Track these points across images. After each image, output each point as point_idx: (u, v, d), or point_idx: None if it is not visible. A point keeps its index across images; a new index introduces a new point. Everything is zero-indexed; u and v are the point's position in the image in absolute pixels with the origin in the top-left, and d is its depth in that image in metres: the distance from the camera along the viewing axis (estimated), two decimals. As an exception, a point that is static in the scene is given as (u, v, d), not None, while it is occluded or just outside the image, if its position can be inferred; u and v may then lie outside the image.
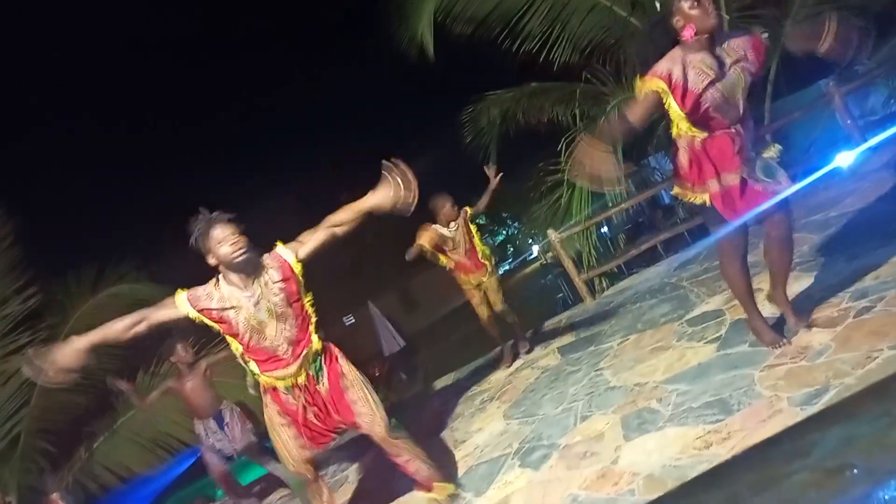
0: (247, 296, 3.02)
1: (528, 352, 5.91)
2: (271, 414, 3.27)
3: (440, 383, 6.95)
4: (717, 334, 3.85)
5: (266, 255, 3.13)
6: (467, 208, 5.81)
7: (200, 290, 3.04)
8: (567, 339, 5.71)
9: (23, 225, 9.00)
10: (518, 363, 5.80)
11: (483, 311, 5.86)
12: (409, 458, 3.41)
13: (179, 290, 3.03)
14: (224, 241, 2.95)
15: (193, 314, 2.99)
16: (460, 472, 3.95)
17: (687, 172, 2.98)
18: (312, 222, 3.20)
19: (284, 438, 3.26)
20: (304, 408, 3.22)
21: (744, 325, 3.54)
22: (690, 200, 3.01)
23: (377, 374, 12.27)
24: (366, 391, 3.28)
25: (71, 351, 2.78)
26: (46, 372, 2.73)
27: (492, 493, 3.48)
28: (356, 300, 15.18)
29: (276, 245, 3.16)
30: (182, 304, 2.98)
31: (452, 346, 11.57)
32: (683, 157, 2.97)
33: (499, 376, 5.76)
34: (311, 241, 3.13)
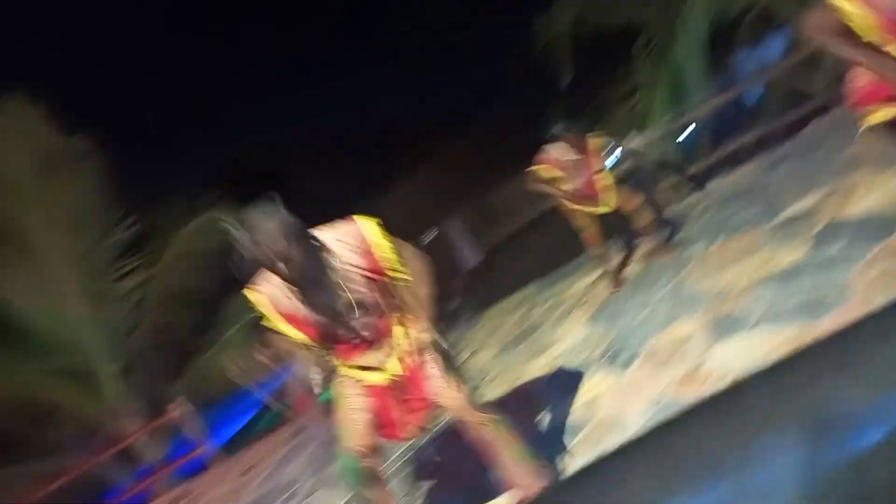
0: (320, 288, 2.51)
1: (670, 236, 5.42)
2: (346, 387, 2.75)
3: (522, 293, 7.08)
4: (809, 235, 3.73)
5: (342, 230, 2.58)
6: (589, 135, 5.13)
7: (272, 289, 2.58)
8: (651, 245, 5.65)
9: (115, 157, 9.52)
10: (598, 272, 5.76)
11: (587, 225, 5.18)
12: (497, 443, 2.68)
13: (255, 296, 2.61)
14: (264, 252, 2.39)
15: (276, 323, 2.60)
16: (544, 378, 4.09)
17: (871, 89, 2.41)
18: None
19: (353, 415, 2.71)
20: (384, 393, 2.73)
21: (836, 227, 3.42)
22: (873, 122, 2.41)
23: (459, 289, 12.57)
24: (448, 372, 2.73)
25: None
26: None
27: (576, 397, 3.61)
28: (433, 216, 15.38)
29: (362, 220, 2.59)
30: (266, 314, 2.60)
31: (532, 257, 11.64)
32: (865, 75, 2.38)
33: (580, 285, 5.81)
34: (409, 258, 2.63)
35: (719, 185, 6.43)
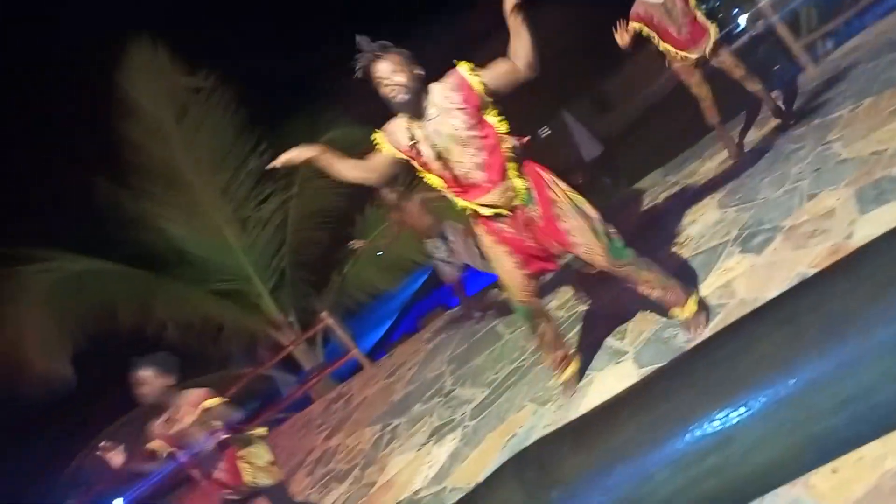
0: (427, 123, 2.90)
1: (787, 119, 5.07)
2: (488, 243, 3.12)
3: (647, 181, 6.83)
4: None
5: (444, 79, 2.95)
6: None
7: (392, 125, 2.99)
8: (788, 115, 5.21)
9: (243, 88, 9.98)
10: (727, 151, 5.45)
11: (704, 92, 5.05)
12: (646, 284, 3.04)
13: (377, 134, 3.02)
14: (382, 80, 2.83)
15: (393, 151, 2.98)
16: (676, 266, 4.00)
17: None
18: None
19: (506, 267, 3.10)
20: (521, 234, 3.05)
21: None
22: None
23: (580, 182, 12.33)
24: (582, 217, 2.98)
25: (303, 149, 3.06)
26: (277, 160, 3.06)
27: (712, 281, 3.51)
28: (548, 110, 14.95)
29: (456, 65, 2.95)
30: (385, 147, 2.99)
31: (655, 143, 11.10)
32: None
33: (709, 166, 5.51)
34: (493, 67, 2.92)
35: (868, 37, 5.71)
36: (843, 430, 0.51)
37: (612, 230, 3.06)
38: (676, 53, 4.95)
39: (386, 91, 2.84)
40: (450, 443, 4.09)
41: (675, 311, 3.09)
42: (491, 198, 2.96)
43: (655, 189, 6.20)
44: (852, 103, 4.37)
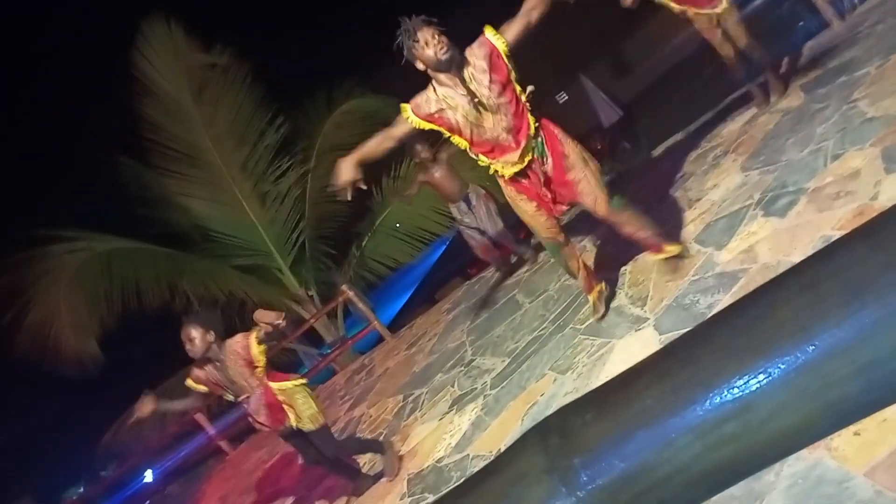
0: (460, 93, 3.19)
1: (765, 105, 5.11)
2: (510, 193, 3.51)
3: (667, 146, 6.74)
4: None
5: (472, 45, 3.22)
6: None
7: (420, 99, 3.27)
8: (811, 73, 5.08)
9: (257, 62, 9.95)
10: (752, 111, 5.36)
11: (727, 50, 4.96)
12: (635, 229, 3.53)
13: (403, 105, 3.30)
14: (427, 43, 3.09)
15: (419, 122, 3.27)
16: (698, 230, 3.97)
17: None
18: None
19: (528, 211, 3.51)
20: (535, 184, 3.43)
21: None
22: None
23: (599, 147, 12.18)
24: (588, 171, 3.38)
25: (345, 166, 3.28)
26: (334, 184, 3.30)
27: (734, 245, 3.48)
28: (566, 75, 14.71)
29: (483, 31, 3.23)
30: (410, 117, 3.27)
31: (675, 106, 10.91)
32: None
33: (731, 128, 5.41)
34: (513, 26, 3.20)
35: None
36: (862, 396, 0.52)
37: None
38: (680, 9, 4.81)
39: (433, 51, 3.09)
40: (471, 412, 4.15)
41: (661, 252, 3.61)
42: (513, 156, 3.32)
43: (676, 153, 6.11)
44: (879, 60, 4.25)
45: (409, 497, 3.87)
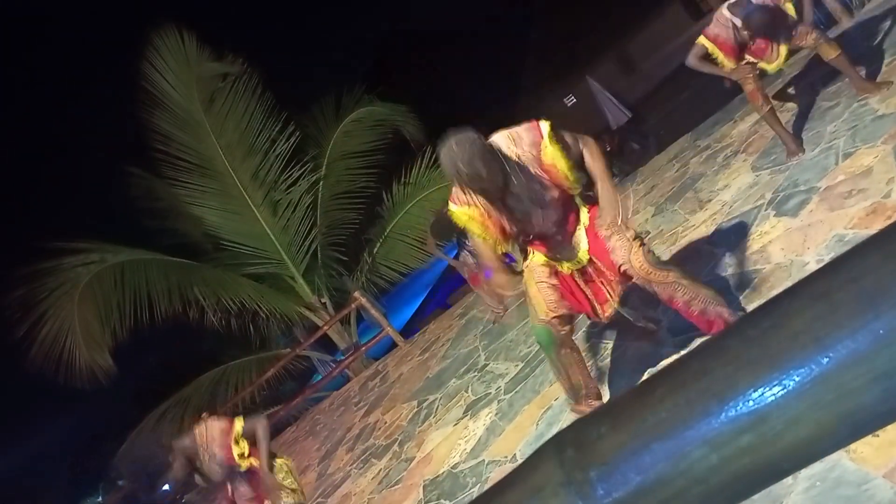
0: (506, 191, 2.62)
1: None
2: (534, 266, 2.89)
3: (676, 146, 6.72)
4: None
5: (521, 131, 2.66)
6: None
7: (460, 195, 2.69)
8: (820, 71, 5.05)
9: (266, 72, 10.01)
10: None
11: (756, 94, 4.25)
12: (688, 294, 2.66)
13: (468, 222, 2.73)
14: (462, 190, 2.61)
15: (483, 236, 2.72)
16: (709, 231, 3.96)
17: None
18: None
19: (543, 291, 2.85)
20: (573, 275, 2.87)
21: None
22: None
23: (608, 149, 12.15)
24: (623, 233, 2.73)
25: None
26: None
27: (746, 245, 3.46)
28: (573, 78, 14.70)
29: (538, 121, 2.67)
30: (455, 212, 2.73)
31: (683, 106, 10.87)
32: None
33: (741, 128, 5.39)
34: (570, 139, 2.70)
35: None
36: (878, 406, 0.52)
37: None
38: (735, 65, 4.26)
39: (463, 197, 2.65)
40: (486, 417, 4.14)
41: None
42: (558, 252, 2.82)
43: (686, 154, 6.09)
44: (891, 55, 4.22)
45: (425, 503, 3.87)
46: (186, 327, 9.73)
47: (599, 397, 2.97)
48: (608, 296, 2.88)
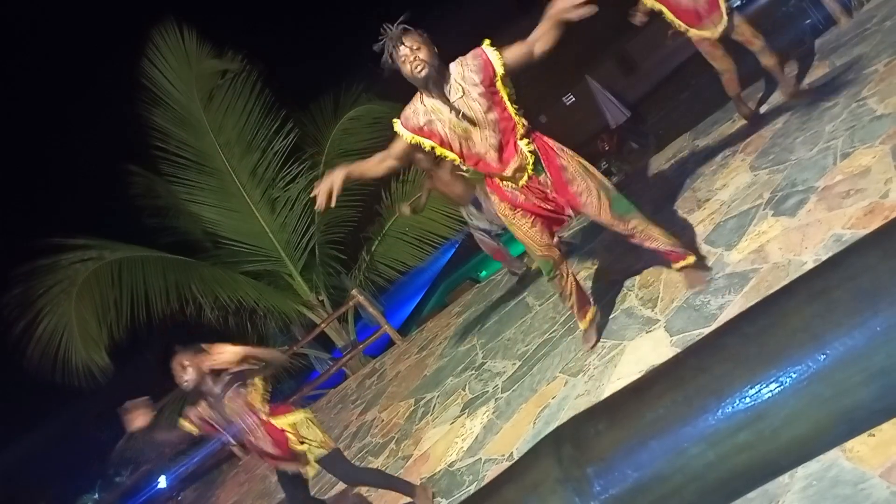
0: (446, 106, 3.03)
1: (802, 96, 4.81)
2: (503, 210, 3.35)
3: (675, 146, 6.72)
4: None
5: (467, 56, 3.06)
6: None
7: (408, 111, 3.12)
8: (819, 71, 5.06)
9: (265, 69, 9.99)
10: (763, 108, 5.34)
11: (726, 65, 4.87)
12: (645, 237, 3.29)
13: (395, 120, 3.17)
14: (406, 58, 2.92)
15: (409, 136, 3.11)
16: (707, 231, 3.96)
17: None
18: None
19: (522, 228, 3.34)
20: (532, 200, 3.27)
21: None
22: None
23: (607, 148, 12.16)
24: (589, 180, 3.19)
25: (335, 175, 3.22)
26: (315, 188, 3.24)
27: (744, 245, 3.47)
28: (571, 77, 14.70)
29: (482, 43, 3.06)
30: (400, 131, 3.13)
31: (682, 105, 10.88)
32: None
33: (739, 127, 5.39)
34: (515, 49, 3.03)
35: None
36: (875, 403, 0.52)
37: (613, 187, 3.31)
38: (687, 30, 4.73)
39: (409, 68, 2.94)
40: (483, 415, 4.15)
41: (676, 264, 3.38)
42: (503, 174, 3.19)
43: (684, 153, 6.09)
44: (888, 56, 4.23)
45: (421, 501, 3.86)
46: (184, 325, 9.73)
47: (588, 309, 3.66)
48: (559, 216, 3.41)
